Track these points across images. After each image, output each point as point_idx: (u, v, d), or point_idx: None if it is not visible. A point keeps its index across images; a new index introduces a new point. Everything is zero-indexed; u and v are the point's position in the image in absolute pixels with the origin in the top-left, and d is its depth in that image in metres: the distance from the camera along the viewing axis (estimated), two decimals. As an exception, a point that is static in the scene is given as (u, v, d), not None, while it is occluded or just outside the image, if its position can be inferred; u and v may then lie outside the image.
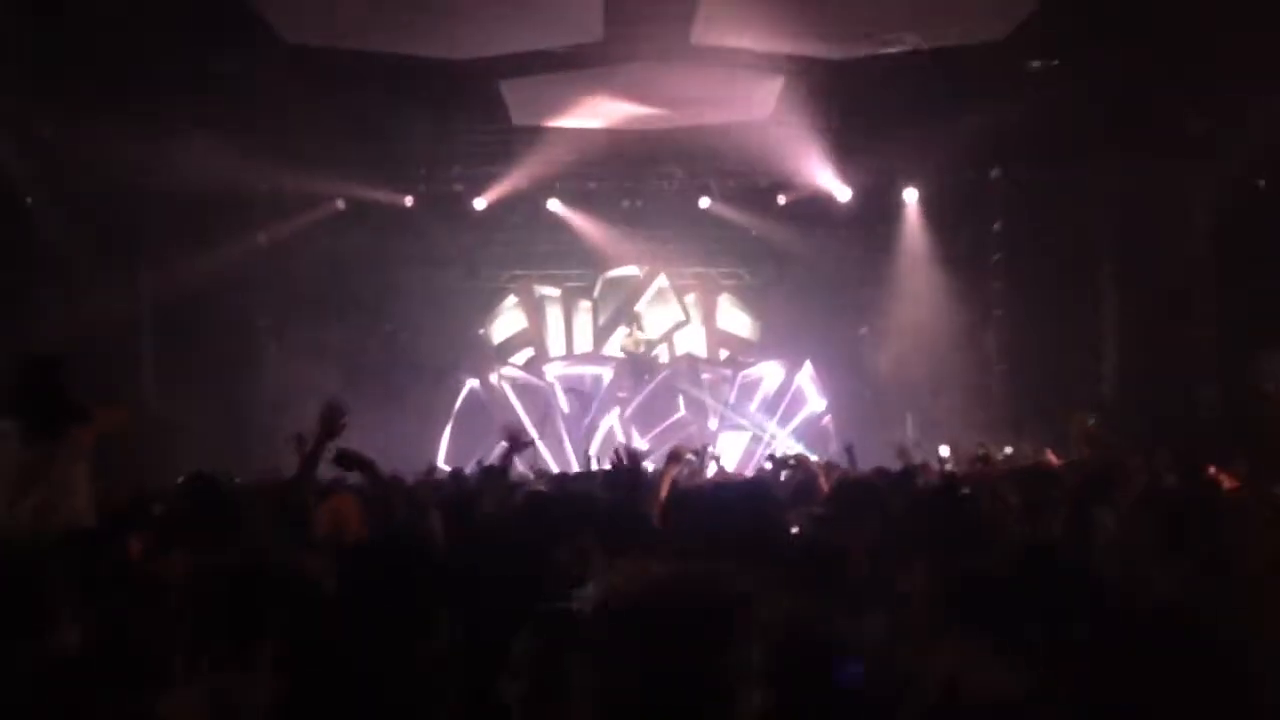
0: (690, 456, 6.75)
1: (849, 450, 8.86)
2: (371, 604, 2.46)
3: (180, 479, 5.39)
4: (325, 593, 2.96)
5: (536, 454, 14.82)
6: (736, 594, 1.61)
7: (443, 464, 13.32)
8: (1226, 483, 6.05)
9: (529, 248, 16.17)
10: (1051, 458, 7.75)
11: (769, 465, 10.10)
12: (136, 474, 7.21)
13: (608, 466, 7.92)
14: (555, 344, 16.75)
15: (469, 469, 10.50)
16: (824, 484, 5.98)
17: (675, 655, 1.51)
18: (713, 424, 15.82)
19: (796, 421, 15.90)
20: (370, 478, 4.41)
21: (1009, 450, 11.71)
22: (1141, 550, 2.84)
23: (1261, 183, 11.21)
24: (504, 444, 5.93)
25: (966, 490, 4.91)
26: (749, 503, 3.21)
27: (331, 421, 4.38)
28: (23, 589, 2.73)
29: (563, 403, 15.59)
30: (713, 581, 1.62)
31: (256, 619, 2.85)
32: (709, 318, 16.90)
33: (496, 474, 5.85)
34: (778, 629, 2.52)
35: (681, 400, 16.01)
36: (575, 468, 12.49)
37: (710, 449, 10.53)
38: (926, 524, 3.16)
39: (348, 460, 4.38)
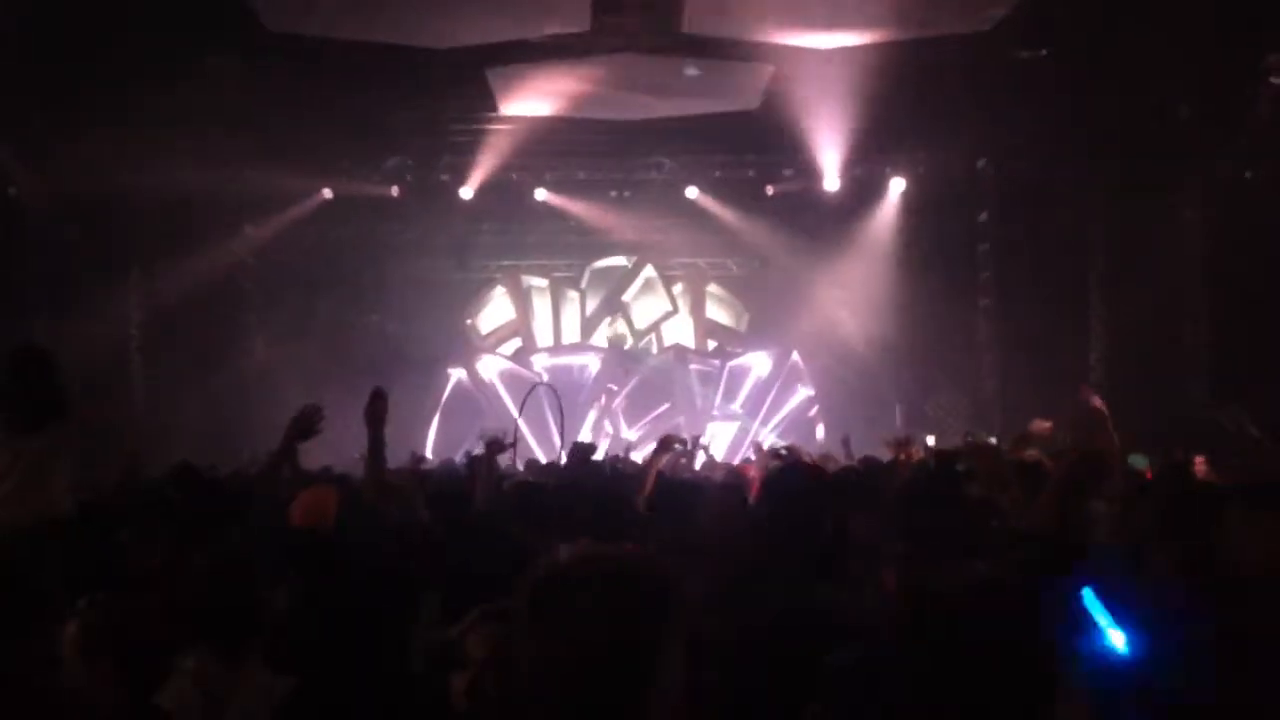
0: (678, 446, 6.75)
1: (845, 442, 8.87)
2: (364, 598, 2.44)
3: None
4: (311, 584, 2.94)
5: (526, 445, 14.83)
6: (659, 573, 1.66)
7: (430, 454, 13.30)
8: (1212, 476, 6.07)
9: (516, 238, 16.15)
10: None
11: (753, 456, 10.13)
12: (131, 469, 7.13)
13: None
14: (543, 334, 16.74)
15: (458, 458, 10.48)
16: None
17: (596, 628, 1.56)
18: (700, 414, 15.85)
19: (784, 412, 15.95)
20: (374, 455, 4.35)
21: (994, 440, 11.76)
22: (1138, 541, 2.85)
23: (1249, 174, 11.22)
24: (483, 447, 5.93)
25: (962, 468, 4.90)
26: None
27: (309, 423, 4.34)
28: (15, 583, 2.70)
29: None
30: (637, 561, 1.67)
31: (245, 612, 2.84)
32: (697, 308, 16.91)
33: (483, 465, 5.84)
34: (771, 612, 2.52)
35: (670, 391, 16.03)
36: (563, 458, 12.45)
37: (701, 439, 10.56)
38: (922, 506, 3.16)
39: (375, 413, 4.33)
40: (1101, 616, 1.84)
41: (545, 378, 15.67)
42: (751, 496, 6.45)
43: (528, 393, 11.05)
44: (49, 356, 4.77)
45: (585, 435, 15.32)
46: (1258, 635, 2.10)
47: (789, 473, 3.57)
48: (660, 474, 5.93)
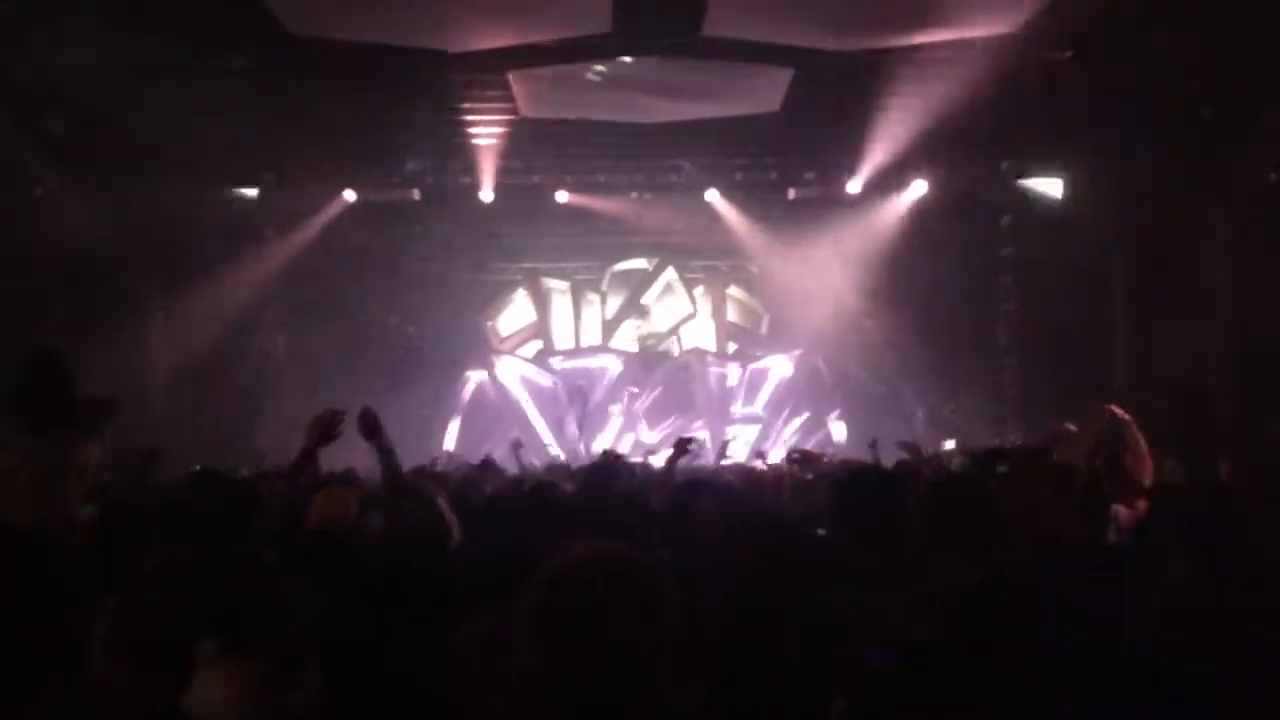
0: (692, 447, 6.78)
1: (873, 445, 8.86)
2: (388, 600, 2.43)
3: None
4: (331, 586, 2.94)
5: (545, 447, 14.86)
6: (660, 575, 1.67)
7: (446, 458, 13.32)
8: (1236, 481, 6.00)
9: (537, 240, 16.13)
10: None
11: (759, 462, 10.12)
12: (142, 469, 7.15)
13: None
14: (563, 337, 16.74)
15: (474, 460, 10.49)
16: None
17: (599, 629, 1.57)
18: (721, 417, 15.83)
19: (805, 414, 15.91)
20: (385, 459, 4.36)
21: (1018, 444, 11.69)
22: (1162, 546, 2.82)
23: (1274, 176, 11.12)
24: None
25: (1005, 469, 4.86)
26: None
27: (330, 428, 4.35)
28: (26, 583, 2.71)
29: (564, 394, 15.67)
30: (638, 563, 1.68)
31: (257, 613, 2.84)
32: (717, 310, 16.88)
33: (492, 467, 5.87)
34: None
35: (690, 394, 16.02)
36: (582, 459, 12.46)
37: (726, 442, 10.58)
38: (949, 507, 3.14)
39: (369, 425, 4.33)
40: (1124, 615, 1.82)
41: (563, 381, 15.76)
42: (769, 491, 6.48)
43: (576, 396, 11.05)
44: (61, 359, 4.77)
45: (608, 438, 15.36)
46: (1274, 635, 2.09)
47: (862, 479, 3.57)
48: (672, 474, 5.96)
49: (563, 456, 13.17)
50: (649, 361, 16.38)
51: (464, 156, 14.37)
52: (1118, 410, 5.76)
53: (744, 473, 8.60)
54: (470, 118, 13.12)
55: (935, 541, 2.94)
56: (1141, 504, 4.98)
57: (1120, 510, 4.77)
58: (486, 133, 13.50)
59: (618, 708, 1.52)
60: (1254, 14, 9.07)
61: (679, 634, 1.58)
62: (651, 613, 1.57)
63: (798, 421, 15.93)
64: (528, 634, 1.58)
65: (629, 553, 1.69)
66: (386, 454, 4.34)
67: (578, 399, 15.12)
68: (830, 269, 15.11)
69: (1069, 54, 11.04)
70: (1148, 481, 5.39)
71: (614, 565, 1.63)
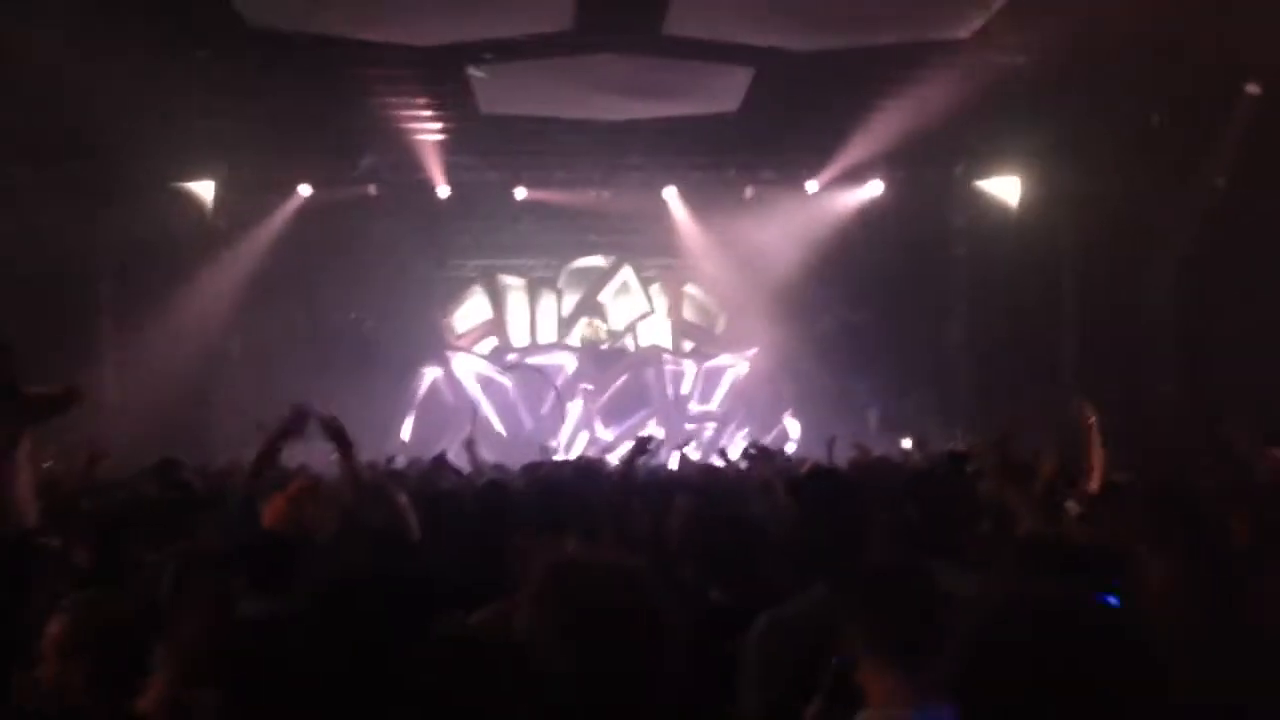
0: (651, 446, 6.78)
1: (830, 444, 8.94)
2: (358, 602, 2.40)
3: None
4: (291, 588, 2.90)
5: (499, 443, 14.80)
6: (656, 583, 1.70)
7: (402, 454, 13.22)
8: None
9: (494, 237, 16.07)
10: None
11: (719, 460, 10.17)
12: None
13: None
14: (519, 334, 16.69)
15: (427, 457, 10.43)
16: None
17: (602, 630, 1.60)
18: (676, 415, 15.86)
19: (759, 413, 15.98)
20: (346, 460, 4.36)
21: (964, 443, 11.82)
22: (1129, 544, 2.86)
23: (1220, 181, 11.33)
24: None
25: (974, 468, 4.91)
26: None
27: (299, 424, 4.34)
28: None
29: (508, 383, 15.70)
30: (632, 568, 1.72)
31: (211, 615, 2.80)
32: (674, 309, 16.90)
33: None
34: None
35: (645, 391, 16.04)
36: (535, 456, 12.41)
37: (684, 440, 10.62)
38: (913, 506, 3.17)
39: (331, 430, 4.35)
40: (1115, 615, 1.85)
41: (511, 378, 15.76)
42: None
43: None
44: (8, 348, 4.67)
45: (567, 437, 15.38)
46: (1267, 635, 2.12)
47: (821, 478, 3.59)
48: (632, 472, 5.98)
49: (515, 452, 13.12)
50: (605, 359, 16.38)
51: (421, 152, 14.23)
52: (1086, 408, 5.83)
53: (703, 471, 8.62)
54: (428, 113, 12.99)
55: (908, 541, 2.96)
56: (1086, 502, 5.06)
57: (1072, 507, 4.86)
58: (444, 128, 13.39)
59: (621, 708, 1.53)
60: (1203, 23, 9.22)
61: (678, 637, 1.60)
62: (654, 616, 1.58)
63: (752, 420, 15.99)
64: (535, 638, 1.58)
65: (626, 560, 1.70)
66: (348, 454, 4.34)
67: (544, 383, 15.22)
68: (786, 268, 15.16)
69: (1022, 59, 11.17)
70: (1097, 480, 5.48)
71: (616, 572, 1.64)
